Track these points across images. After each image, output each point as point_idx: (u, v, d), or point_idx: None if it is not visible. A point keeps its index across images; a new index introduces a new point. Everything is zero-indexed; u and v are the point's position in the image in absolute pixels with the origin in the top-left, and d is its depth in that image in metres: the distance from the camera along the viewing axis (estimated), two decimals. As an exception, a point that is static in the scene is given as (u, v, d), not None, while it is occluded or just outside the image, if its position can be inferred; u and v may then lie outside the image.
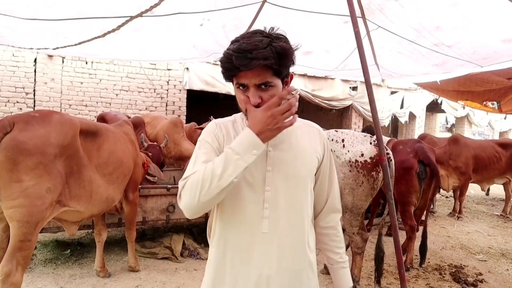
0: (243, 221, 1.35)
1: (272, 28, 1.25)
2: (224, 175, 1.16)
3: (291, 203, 1.36)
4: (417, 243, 4.32)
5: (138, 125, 5.47)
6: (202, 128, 6.59)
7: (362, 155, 3.28)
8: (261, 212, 1.33)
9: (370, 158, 3.27)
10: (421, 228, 4.34)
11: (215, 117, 6.65)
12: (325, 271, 3.99)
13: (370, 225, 5.35)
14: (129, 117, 5.81)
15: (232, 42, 1.24)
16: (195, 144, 5.20)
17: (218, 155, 1.26)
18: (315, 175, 1.45)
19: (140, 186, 3.96)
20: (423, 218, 4.56)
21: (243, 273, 1.33)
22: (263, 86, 1.23)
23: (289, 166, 1.36)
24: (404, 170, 4.11)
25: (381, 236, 3.64)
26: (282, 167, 1.35)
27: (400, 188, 4.15)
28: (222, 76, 1.29)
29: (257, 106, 1.22)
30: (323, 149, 1.46)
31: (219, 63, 1.31)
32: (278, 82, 1.26)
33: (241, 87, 1.26)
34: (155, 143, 5.19)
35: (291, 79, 1.36)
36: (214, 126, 1.42)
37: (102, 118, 5.97)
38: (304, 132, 1.45)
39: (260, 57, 1.15)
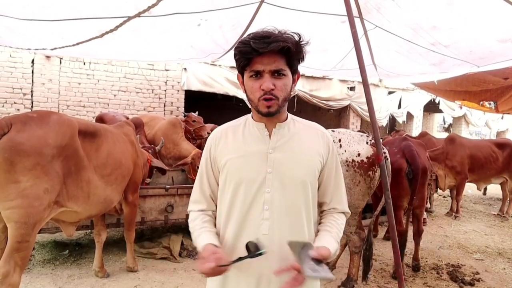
0: (243, 223, 1.36)
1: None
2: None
3: (291, 205, 1.36)
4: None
5: (137, 126, 5.46)
6: (185, 121, 6.55)
7: (359, 154, 3.29)
8: (261, 214, 1.35)
9: (367, 157, 3.29)
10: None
11: (213, 117, 6.71)
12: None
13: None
14: (127, 118, 5.80)
15: (247, 35, 1.30)
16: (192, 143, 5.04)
17: (209, 170, 1.47)
18: (318, 177, 1.45)
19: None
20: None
21: (245, 275, 1.34)
22: (276, 74, 1.29)
23: (290, 168, 1.37)
24: (393, 172, 3.75)
25: (371, 231, 3.66)
26: (282, 169, 1.36)
27: (390, 192, 3.97)
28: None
29: (270, 91, 1.28)
30: (327, 152, 1.45)
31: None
32: (289, 74, 1.33)
33: (254, 76, 1.30)
34: (152, 145, 5.17)
35: (298, 77, 1.41)
36: (211, 137, 1.51)
37: (100, 119, 5.96)
38: (308, 134, 1.45)
39: (278, 40, 1.24)
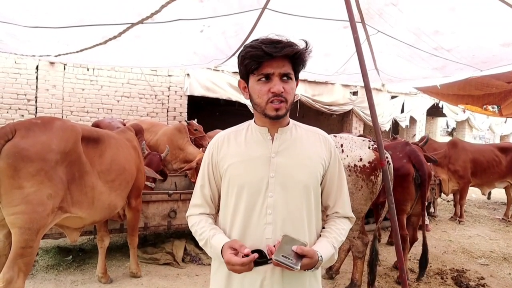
0: (247, 228, 1.37)
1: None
2: (204, 248, 1.44)
3: (293, 209, 1.37)
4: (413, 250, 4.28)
5: (138, 132, 5.46)
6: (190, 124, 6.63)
7: (361, 159, 3.29)
8: (264, 218, 1.35)
9: (369, 162, 3.28)
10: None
11: (216, 123, 6.75)
12: (326, 276, 3.98)
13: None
14: (124, 124, 5.80)
15: (252, 41, 1.34)
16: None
17: (211, 174, 1.48)
18: (321, 182, 1.45)
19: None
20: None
21: (249, 280, 1.35)
22: (285, 78, 1.32)
23: (292, 173, 1.38)
24: (401, 177, 3.76)
25: (376, 238, 3.64)
26: (285, 173, 1.37)
27: (395, 196, 3.98)
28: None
29: (280, 94, 1.30)
30: (329, 156, 1.46)
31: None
32: (293, 78, 1.37)
33: (263, 79, 1.32)
34: (156, 152, 5.19)
35: (297, 84, 1.43)
36: (212, 142, 1.51)
37: (96, 126, 5.93)
38: (310, 139, 1.46)
39: (291, 46, 1.29)
